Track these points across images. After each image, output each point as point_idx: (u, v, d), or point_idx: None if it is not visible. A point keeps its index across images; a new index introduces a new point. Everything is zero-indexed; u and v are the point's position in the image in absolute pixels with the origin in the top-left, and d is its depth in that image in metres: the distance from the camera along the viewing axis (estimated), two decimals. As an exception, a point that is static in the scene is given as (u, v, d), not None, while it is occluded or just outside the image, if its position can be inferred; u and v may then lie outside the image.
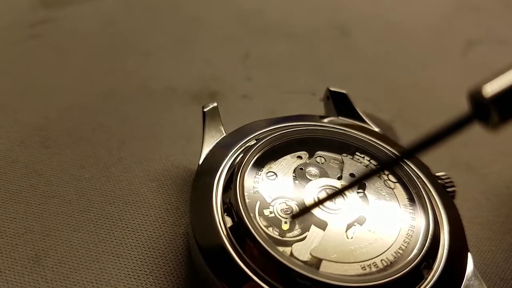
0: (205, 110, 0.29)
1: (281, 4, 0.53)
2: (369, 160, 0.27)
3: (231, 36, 0.46)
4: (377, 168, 0.25)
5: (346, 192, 0.25)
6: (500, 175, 0.34)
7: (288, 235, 0.22)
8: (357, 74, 0.43)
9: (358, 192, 0.25)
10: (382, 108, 0.39)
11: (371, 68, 0.44)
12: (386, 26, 0.50)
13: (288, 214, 0.23)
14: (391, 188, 0.25)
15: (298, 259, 0.21)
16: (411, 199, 0.25)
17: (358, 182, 0.24)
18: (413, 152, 0.18)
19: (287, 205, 0.24)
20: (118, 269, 0.25)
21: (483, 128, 0.16)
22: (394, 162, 0.26)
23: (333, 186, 0.25)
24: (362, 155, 0.27)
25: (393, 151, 0.27)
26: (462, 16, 0.54)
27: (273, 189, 0.24)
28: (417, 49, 0.47)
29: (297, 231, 0.23)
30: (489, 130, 0.16)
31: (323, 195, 0.24)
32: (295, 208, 0.23)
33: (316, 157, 0.27)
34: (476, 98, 0.16)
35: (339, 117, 0.30)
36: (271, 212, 0.23)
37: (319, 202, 0.24)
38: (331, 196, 0.24)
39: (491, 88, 0.15)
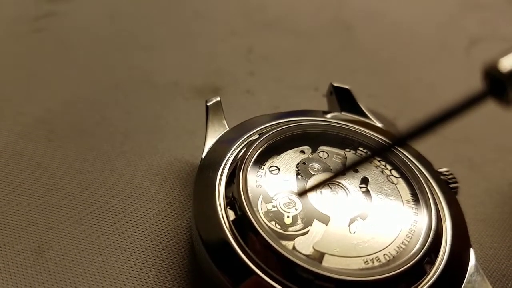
0: (208, 104, 0.29)
1: None
2: (380, 147, 0.27)
3: (235, 31, 0.46)
4: (387, 146, 0.25)
5: (349, 188, 0.25)
6: (503, 172, 0.33)
7: (290, 229, 0.22)
8: (360, 70, 0.43)
9: (361, 187, 0.25)
10: (386, 104, 0.39)
11: (374, 64, 0.44)
12: (390, 22, 0.50)
13: (291, 208, 0.23)
14: (394, 183, 0.25)
15: (300, 253, 0.21)
16: (414, 195, 0.25)
17: (360, 164, 0.25)
18: (429, 127, 0.17)
19: (289, 199, 0.24)
20: (121, 262, 0.26)
21: (498, 104, 0.16)
22: (411, 136, 0.24)
23: (336, 181, 0.25)
24: (365, 150, 0.27)
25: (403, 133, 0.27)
26: (466, 13, 0.54)
27: (276, 183, 0.24)
28: (421, 46, 0.47)
29: (299, 225, 0.23)
30: (504, 107, 0.15)
31: (325, 190, 0.24)
32: (298, 203, 0.24)
33: (319, 152, 0.27)
34: (491, 73, 0.15)
35: (342, 113, 0.30)
36: (274, 206, 0.23)
37: (326, 181, 0.24)
38: (326, 181, 0.24)
39: (508, 62, 0.15)
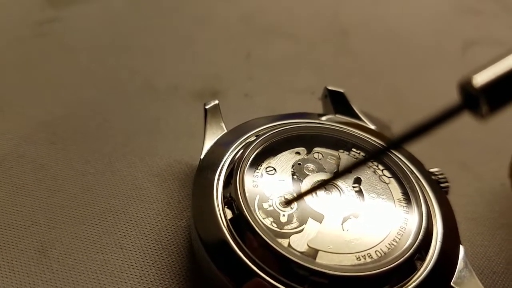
0: (206, 107, 0.29)
1: (283, 5, 0.53)
2: (364, 156, 0.28)
3: (233, 36, 0.47)
4: (368, 157, 0.26)
5: (343, 187, 0.25)
6: (495, 172, 0.34)
7: (286, 227, 0.23)
8: (356, 74, 0.43)
9: (353, 187, 0.26)
10: (381, 107, 0.39)
11: (370, 68, 0.45)
12: (386, 27, 0.51)
13: (286, 206, 0.24)
14: (385, 183, 0.26)
15: (295, 250, 0.22)
16: (405, 194, 0.25)
17: (349, 171, 0.25)
18: (403, 141, 0.18)
19: (285, 198, 0.24)
20: (121, 261, 0.26)
21: (473, 117, 0.16)
22: (384, 151, 0.26)
23: (330, 181, 0.26)
24: (358, 151, 0.28)
25: (382, 143, 0.28)
26: (460, 18, 0.54)
27: (272, 183, 0.25)
28: (416, 50, 0.48)
29: (295, 223, 0.23)
30: (479, 120, 0.16)
31: (320, 189, 0.25)
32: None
33: (313, 153, 0.27)
34: (466, 88, 0.16)
35: (336, 115, 0.31)
36: (270, 205, 0.24)
37: (311, 190, 0.25)
38: (322, 184, 0.25)
39: (481, 78, 0.16)
